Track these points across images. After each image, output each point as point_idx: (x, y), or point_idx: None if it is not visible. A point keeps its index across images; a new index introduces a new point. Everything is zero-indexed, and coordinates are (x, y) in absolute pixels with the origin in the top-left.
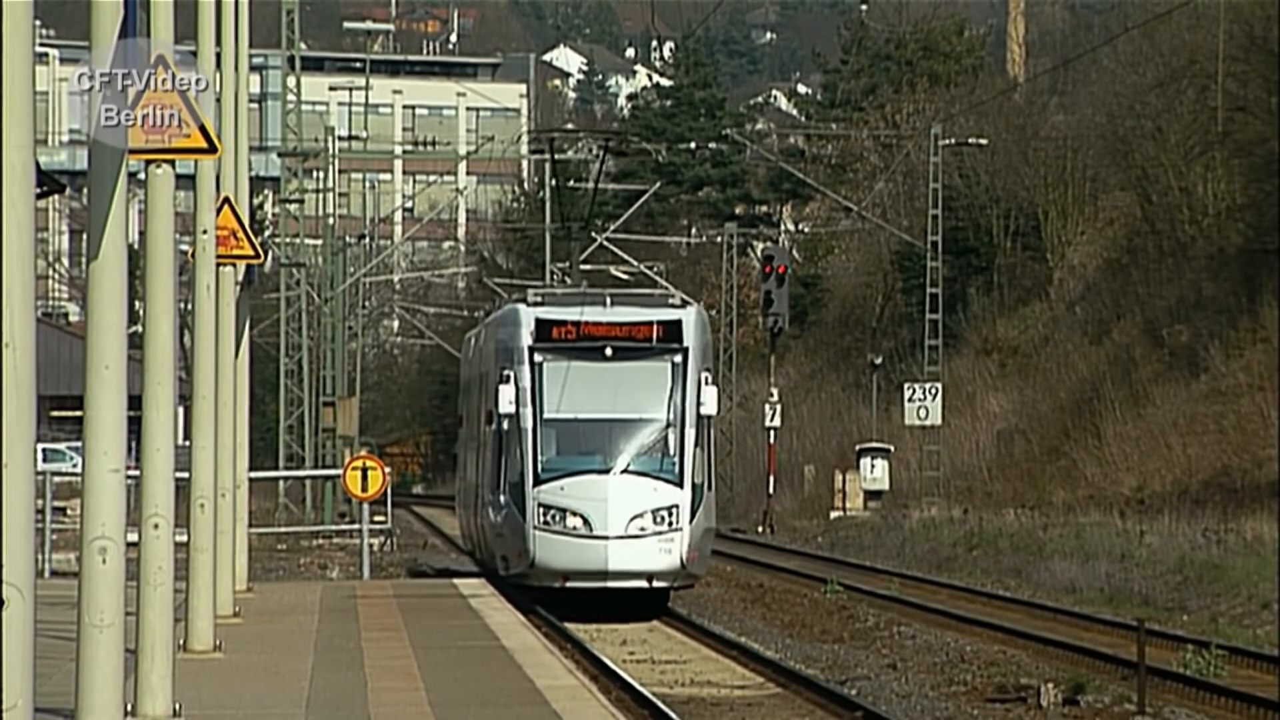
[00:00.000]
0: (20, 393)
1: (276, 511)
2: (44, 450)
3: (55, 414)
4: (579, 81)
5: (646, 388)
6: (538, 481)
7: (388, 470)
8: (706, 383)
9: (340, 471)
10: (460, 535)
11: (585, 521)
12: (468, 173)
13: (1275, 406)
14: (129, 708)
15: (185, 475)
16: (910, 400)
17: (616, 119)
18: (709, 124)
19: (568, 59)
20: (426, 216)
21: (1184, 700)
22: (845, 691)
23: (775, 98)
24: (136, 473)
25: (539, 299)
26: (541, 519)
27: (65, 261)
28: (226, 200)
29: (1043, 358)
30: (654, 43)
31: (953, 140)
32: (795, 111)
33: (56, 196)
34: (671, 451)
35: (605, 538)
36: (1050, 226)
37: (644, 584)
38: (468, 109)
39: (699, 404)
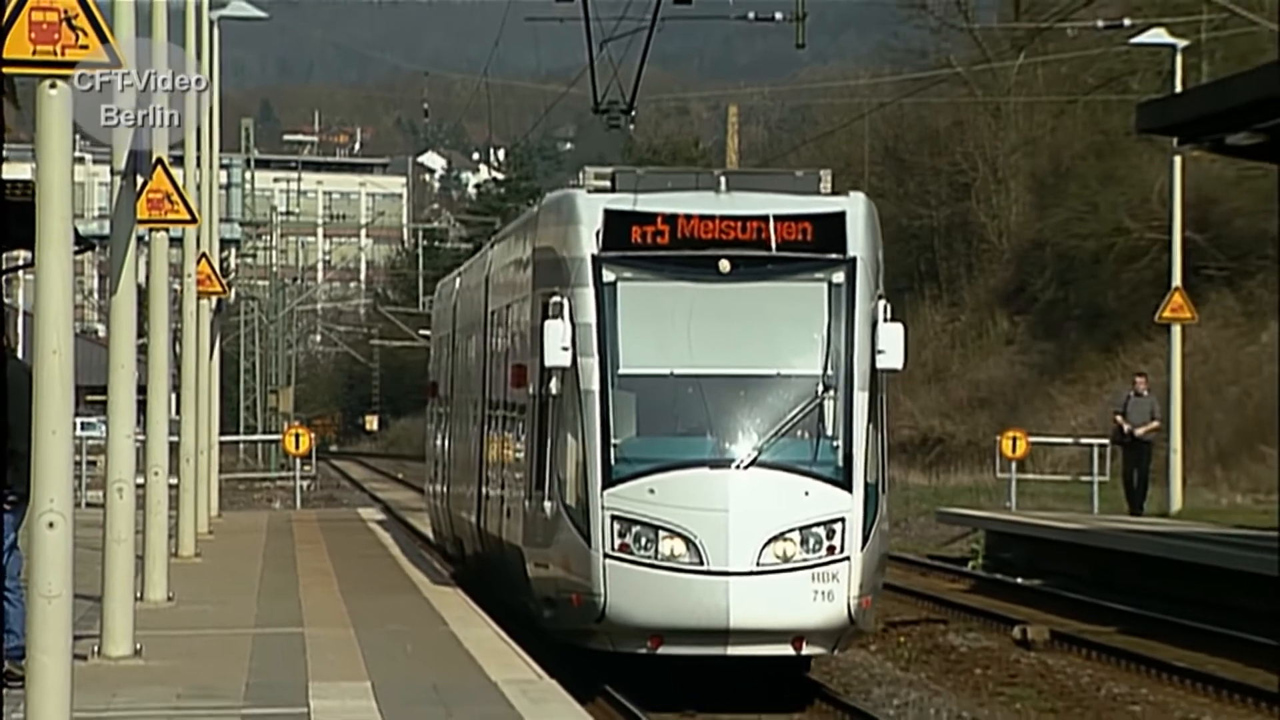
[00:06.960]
0: (64, 384)
1: (238, 463)
2: (81, 422)
3: (89, 398)
4: (441, 176)
5: (790, 324)
6: (610, 480)
7: (313, 435)
8: (885, 316)
9: (281, 436)
10: (436, 537)
11: (691, 546)
12: (366, 236)
13: None
14: (138, 595)
15: (175, 439)
16: None
17: (468, 201)
18: (531, 206)
19: (433, 160)
20: (339, 266)
21: None
22: None
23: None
24: (143, 437)
25: (605, 181)
26: (617, 541)
27: (95, 295)
28: (203, 255)
29: None
30: (491, 150)
31: None
32: None
33: (90, 252)
34: (831, 430)
35: (725, 573)
36: None
37: (787, 649)
38: (367, 194)
39: (873, 350)
